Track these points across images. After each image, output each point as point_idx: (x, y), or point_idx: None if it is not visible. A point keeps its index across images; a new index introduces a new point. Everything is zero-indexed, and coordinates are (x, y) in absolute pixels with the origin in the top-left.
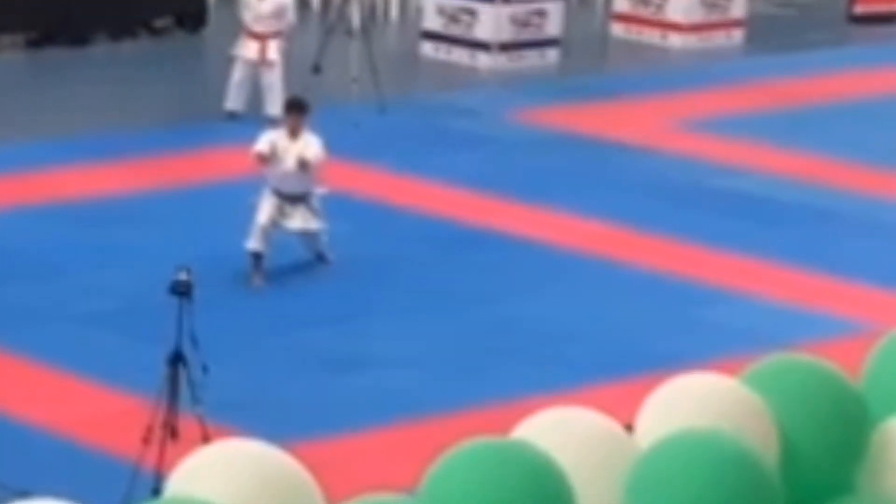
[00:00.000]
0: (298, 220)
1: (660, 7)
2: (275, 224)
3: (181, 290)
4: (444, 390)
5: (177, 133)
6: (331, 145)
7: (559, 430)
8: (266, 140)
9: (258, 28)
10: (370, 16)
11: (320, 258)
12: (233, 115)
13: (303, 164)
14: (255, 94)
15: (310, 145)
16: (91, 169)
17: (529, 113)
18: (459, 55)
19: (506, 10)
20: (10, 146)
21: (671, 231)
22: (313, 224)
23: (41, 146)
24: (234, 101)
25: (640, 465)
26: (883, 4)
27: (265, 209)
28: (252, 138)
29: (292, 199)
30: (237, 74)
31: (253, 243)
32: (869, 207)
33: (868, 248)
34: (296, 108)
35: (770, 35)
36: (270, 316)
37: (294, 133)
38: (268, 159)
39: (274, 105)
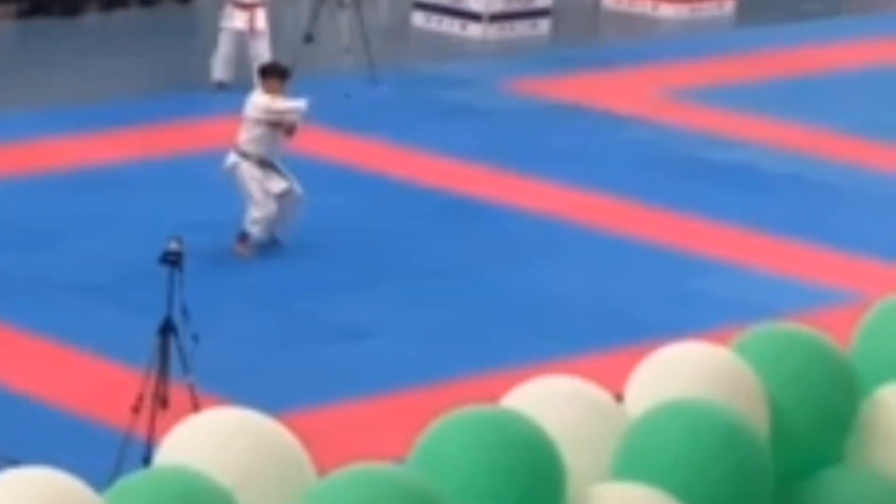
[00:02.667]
0: (277, 183)
1: None
2: (275, 196)
3: (172, 260)
4: (436, 359)
5: (167, 103)
6: (322, 116)
7: (549, 398)
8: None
9: None
10: None
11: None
12: (221, 86)
13: (290, 131)
14: (242, 64)
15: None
16: (82, 138)
17: (521, 83)
18: (451, 25)
19: None
20: (0, 116)
21: (663, 201)
22: (286, 184)
23: (32, 116)
24: (221, 71)
25: (630, 434)
26: None
27: (261, 193)
28: (241, 108)
29: (268, 163)
30: (224, 45)
31: (252, 228)
32: (861, 178)
33: (861, 218)
34: (274, 73)
35: (761, 5)
36: (261, 286)
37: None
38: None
39: None
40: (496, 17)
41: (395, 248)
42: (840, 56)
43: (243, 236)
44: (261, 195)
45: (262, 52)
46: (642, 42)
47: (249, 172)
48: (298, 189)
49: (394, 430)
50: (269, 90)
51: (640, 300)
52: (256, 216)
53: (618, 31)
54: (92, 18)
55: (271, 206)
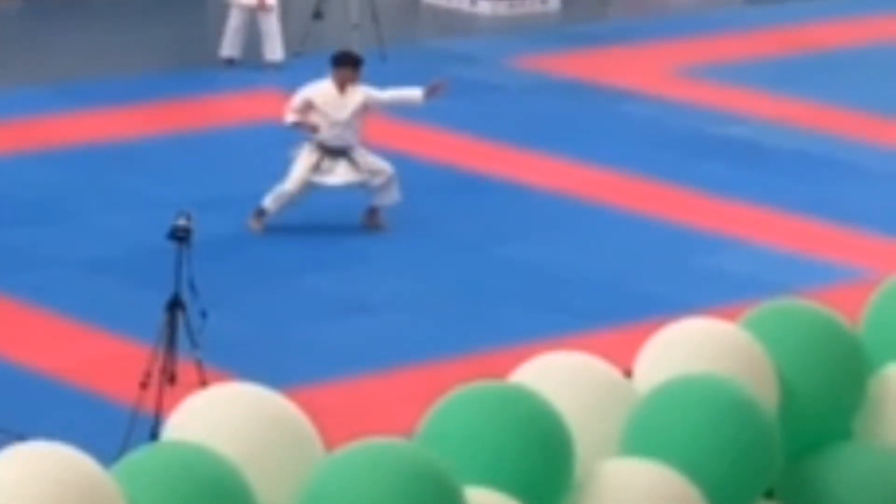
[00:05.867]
0: (339, 175)
1: None
2: (309, 185)
3: (180, 236)
4: (444, 336)
5: (176, 79)
6: None
7: (557, 375)
8: (302, 98)
9: None
10: None
11: (371, 214)
12: (230, 62)
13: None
14: (251, 40)
15: (363, 93)
16: (90, 114)
17: (530, 59)
18: (460, 2)
19: None
20: (10, 92)
21: (672, 177)
22: (353, 176)
23: (41, 92)
24: (230, 47)
25: (639, 411)
26: None
27: (299, 175)
28: (250, 84)
29: (335, 152)
30: (234, 21)
31: (269, 203)
32: (869, 155)
33: (869, 195)
34: (347, 62)
35: None
36: (269, 261)
37: (342, 87)
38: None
39: (273, 51)
40: None
41: (402, 222)
42: (850, 32)
43: (260, 212)
44: (294, 176)
45: (272, 29)
46: (652, 19)
47: (304, 155)
48: (387, 171)
49: (402, 406)
50: (340, 80)
51: (648, 276)
52: (281, 190)
53: (628, 7)
54: None
55: (294, 191)
